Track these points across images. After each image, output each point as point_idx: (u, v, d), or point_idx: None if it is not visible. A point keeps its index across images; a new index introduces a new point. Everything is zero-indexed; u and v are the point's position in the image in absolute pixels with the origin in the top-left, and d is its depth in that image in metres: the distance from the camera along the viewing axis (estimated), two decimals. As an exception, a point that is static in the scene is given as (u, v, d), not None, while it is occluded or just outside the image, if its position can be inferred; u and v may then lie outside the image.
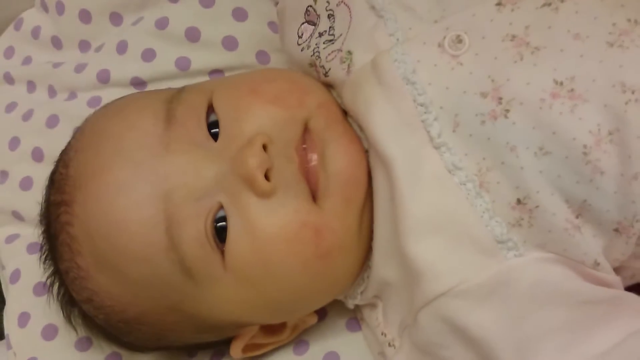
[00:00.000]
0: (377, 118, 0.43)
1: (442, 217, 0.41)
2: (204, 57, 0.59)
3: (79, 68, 0.63)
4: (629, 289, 0.44)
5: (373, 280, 0.47)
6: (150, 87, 0.60)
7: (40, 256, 0.53)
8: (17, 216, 0.62)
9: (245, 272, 0.43)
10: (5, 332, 0.58)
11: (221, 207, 0.43)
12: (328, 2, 0.48)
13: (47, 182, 0.51)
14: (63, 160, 0.49)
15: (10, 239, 0.62)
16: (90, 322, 0.51)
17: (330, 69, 0.47)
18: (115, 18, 0.63)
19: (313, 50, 0.48)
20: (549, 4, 0.41)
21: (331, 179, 0.44)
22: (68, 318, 0.53)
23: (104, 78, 0.61)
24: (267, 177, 0.42)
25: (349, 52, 0.46)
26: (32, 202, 0.56)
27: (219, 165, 0.43)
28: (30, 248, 0.60)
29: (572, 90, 0.40)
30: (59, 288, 0.52)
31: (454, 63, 0.42)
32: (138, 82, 0.61)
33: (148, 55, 0.60)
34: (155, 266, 0.43)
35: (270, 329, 0.50)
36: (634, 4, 0.41)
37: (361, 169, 0.44)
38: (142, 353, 0.54)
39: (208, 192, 0.43)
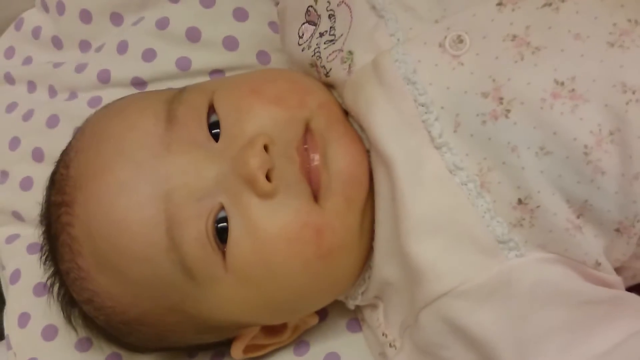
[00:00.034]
0: (378, 118, 0.43)
1: (443, 217, 0.41)
2: (204, 57, 0.59)
3: (80, 68, 0.63)
4: (630, 289, 0.44)
5: (374, 281, 0.47)
6: (150, 87, 0.60)
7: (41, 257, 0.53)
8: (17, 216, 0.62)
9: (246, 273, 0.43)
10: (6, 332, 0.58)
11: (222, 207, 0.43)
12: (329, 2, 0.48)
13: (47, 183, 0.51)
14: (63, 161, 0.49)
15: (11, 239, 0.62)
16: (90, 322, 0.51)
17: (331, 69, 0.47)
18: (116, 18, 0.62)
19: (314, 50, 0.48)
20: (550, 4, 0.41)
21: (333, 178, 0.43)
22: (68, 319, 0.53)
23: (104, 78, 0.61)
24: (268, 177, 0.42)
25: (350, 52, 0.46)
26: (33, 203, 0.56)
27: (220, 165, 0.43)
28: (30, 248, 0.60)
29: (572, 90, 0.40)
30: (59, 289, 0.52)
31: (454, 63, 0.42)
32: (138, 82, 0.61)
33: (148, 55, 0.60)
34: (156, 267, 0.43)
35: (271, 330, 0.50)
36: (634, 4, 0.41)
37: (362, 168, 0.44)
38: (142, 354, 0.54)
39: (209, 192, 0.43)
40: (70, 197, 0.46)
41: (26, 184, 0.62)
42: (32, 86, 0.65)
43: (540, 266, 0.40)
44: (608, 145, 0.39)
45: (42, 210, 0.52)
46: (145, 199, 0.43)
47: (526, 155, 0.40)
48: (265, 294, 0.44)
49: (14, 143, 0.63)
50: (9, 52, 0.67)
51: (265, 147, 0.43)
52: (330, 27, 0.48)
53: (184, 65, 0.60)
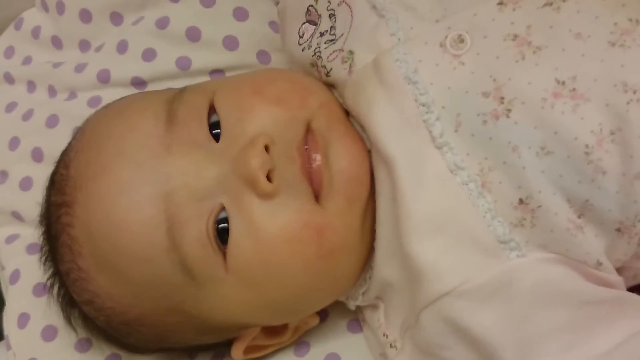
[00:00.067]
0: (379, 118, 0.43)
1: (444, 217, 0.41)
2: (204, 57, 0.59)
3: (79, 68, 0.62)
4: (631, 289, 0.44)
5: (375, 281, 0.47)
6: (150, 87, 0.60)
7: (41, 257, 0.53)
8: (17, 216, 0.62)
9: (247, 273, 0.43)
10: (5, 332, 0.58)
11: (223, 208, 0.43)
12: (329, 1, 0.48)
13: (47, 183, 0.51)
14: (64, 161, 0.48)
15: (10, 239, 0.61)
16: (90, 323, 0.50)
17: (331, 69, 0.47)
18: (116, 18, 0.62)
19: (314, 50, 0.48)
20: (551, 4, 0.41)
21: (335, 178, 0.43)
22: (68, 319, 0.53)
23: (104, 78, 0.61)
24: (269, 178, 0.42)
25: (351, 52, 0.46)
26: (32, 203, 0.56)
27: (221, 166, 0.43)
28: (30, 248, 0.60)
29: (573, 89, 0.40)
30: (59, 289, 0.51)
31: (455, 63, 0.42)
32: (138, 82, 0.61)
33: (148, 55, 0.60)
34: (157, 267, 0.43)
35: (271, 331, 0.50)
36: (635, 3, 0.41)
37: (364, 168, 0.44)
38: (142, 355, 0.54)
39: (210, 193, 0.43)
40: (71, 198, 0.46)
41: (26, 184, 0.61)
42: (31, 86, 0.65)
43: (542, 266, 0.40)
44: (609, 145, 0.39)
45: (41, 210, 0.52)
46: (146, 199, 0.42)
47: (527, 155, 0.40)
48: (266, 294, 0.44)
49: (14, 143, 0.63)
50: (9, 52, 0.67)
51: (266, 148, 0.42)
52: (331, 27, 0.48)
53: (184, 65, 0.60)
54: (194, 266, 0.43)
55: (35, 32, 0.66)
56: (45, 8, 0.65)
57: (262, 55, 0.60)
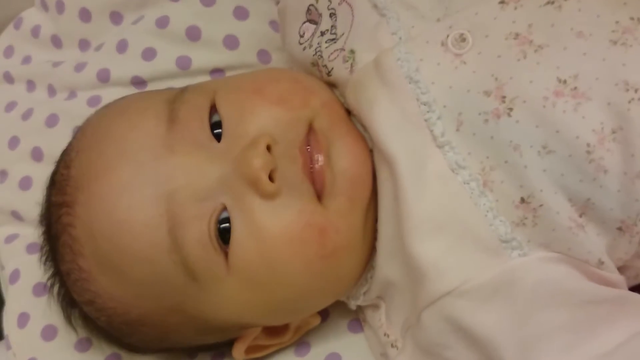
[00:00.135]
0: (380, 117, 0.43)
1: (446, 217, 0.41)
2: (204, 56, 0.59)
3: (79, 67, 0.62)
4: (633, 289, 0.44)
5: (376, 281, 0.47)
6: (150, 87, 0.60)
7: (41, 257, 0.53)
8: (17, 216, 0.62)
9: (249, 274, 0.43)
10: (5, 332, 0.58)
11: (225, 208, 0.43)
12: (330, 1, 0.48)
13: (47, 183, 0.51)
14: (64, 161, 0.48)
15: (10, 239, 0.61)
16: (91, 323, 0.50)
17: (332, 68, 0.47)
18: (116, 17, 0.62)
19: (315, 49, 0.48)
20: (552, 2, 0.41)
21: (337, 178, 0.43)
22: (68, 319, 0.53)
23: (104, 77, 0.61)
24: (271, 178, 0.42)
25: (352, 51, 0.45)
26: (32, 202, 0.56)
27: (223, 166, 0.43)
28: (29, 248, 0.60)
29: (575, 88, 0.40)
30: (59, 289, 0.51)
31: (457, 62, 0.42)
32: (138, 82, 0.60)
33: (148, 54, 0.60)
34: (158, 267, 0.43)
35: (273, 331, 0.50)
36: (636, 2, 0.41)
37: (366, 168, 0.44)
38: (143, 354, 0.54)
39: (211, 193, 0.43)
40: (72, 198, 0.46)
41: (25, 183, 0.61)
42: (31, 85, 0.65)
43: (543, 265, 0.40)
44: (610, 144, 0.39)
45: (42, 210, 0.51)
46: (148, 199, 0.42)
47: (529, 153, 0.40)
48: (268, 294, 0.44)
49: (13, 142, 0.63)
50: (8, 51, 0.67)
51: (268, 148, 0.42)
52: (332, 26, 0.48)
53: (184, 64, 0.59)
54: (196, 266, 0.43)
55: (35, 32, 0.66)
56: (45, 7, 0.65)
57: (263, 55, 0.60)
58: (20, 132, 0.63)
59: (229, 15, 0.59)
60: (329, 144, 0.44)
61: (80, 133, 0.49)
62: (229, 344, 0.50)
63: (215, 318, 0.46)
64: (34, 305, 0.57)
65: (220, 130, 0.45)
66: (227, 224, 0.43)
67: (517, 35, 0.41)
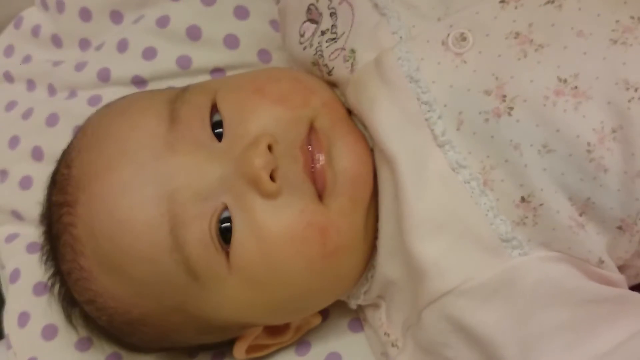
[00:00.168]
0: (381, 116, 0.43)
1: (447, 216, 0.41)
2: (205, 56, 0.59)
3: (79, 66, 0.62)
4: (633, 288, 0.44)
5: (377, 280, 0.47)
6: (151, 86, 0.60)
7: (41, 257, 0.53)
8: (17, 215, 0.62)
9: (250, 273, 0.43)
10: (5, 331, 0.58)
11: (226, 207, 0.43)
12: (330, 0, 0.48)
13: (48, 183, 0.51)
14: (65, 161, 0.48)
15: (10, 238, 0.61)
16: (91, 323, 0.50)
17: (333, 67, 0.47)
18: (116, 16, 0.62)
19: (315, 49, 0.48)
20: (552, 2, 0.41)
21: (338, 177, 0.43)
22: (69, 319, 0.53)
23: (104, 76, 0.61)
24: (272, 177, 0.42)
25: (352, 51, 0.46)
26: (32, 202, 0.56)
27: (224, 165, 0.43)
28: (30, 247, 0.60)
29: (575, 87, 0.40)
30: (59, 289, 0.51)
31: (457, 61, 0.42)
32: (139, 81, 0.61)
33: (149, 53, 0.60)
34: (160, 267, 0.43)
35: (273, 330, 0.50)
36: (636, 1, 0.41)
37: (367, 167, 0.44)
38: (143, 354, 0.54)
39: (213, 192, 0.43)
40: (73, 197, 0.46)
41: (25, 183, 0.61)
42: (31, 85, 0.65)
43: (544, 264, 0.40)
44: (610, 143, 0.39)
45: (43, 210, 0.51)
46: (149, 199, 0.42)
47: (529, 152, 0.40)
48: (269, 294, 0.44)
49: (14, 142, 0.63)
50: (9, 51, 0.67)
51: (269, 147, 0.42)
52: (332, 26, 0.48)
53: (184, 63, 0.60)
54: (197, 266, 0.43)
55: (35, 31, 0.66)
56: (45, 7, 0.65)
57: (263, 54, 0.60)
58: (21, 132, 0.63)
59: (230, 15, 0.59)
60: (330, 144, 0.44)
61: (81, 132, 0.49)
62: (229, 344, 0.50)
63: (216, 317, 0.46)
64: (35, 305, 0.57)
65: (221, 129, 0.45)
66: (229, 224, 0.43)
67: (517, 34, 0.41)
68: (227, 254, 0.43)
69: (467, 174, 0.41)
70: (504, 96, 0.40)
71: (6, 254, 0.61)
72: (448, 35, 0.42)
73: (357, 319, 0.53)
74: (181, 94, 0.46)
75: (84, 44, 0.64)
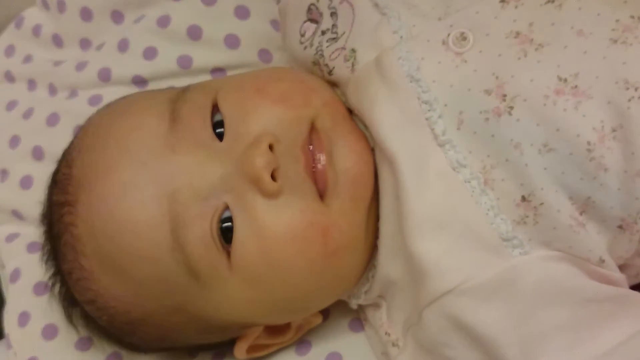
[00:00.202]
0: (381, 116, 0.43)
1: (447, 215, 0.41)
2: (205, 56, 0.59)
3: (80, 66, 0.62)
4: (634, 288, 0.44)
5: (378, 280, 0.47)
6: (151, 86, 0.60)
7: (42, 256, 0.53)
8: (17, 215, 0.62)
9: (252, 273, 0.43)
10: (5, 331, 0.58)
11: (227, 207, 0.43)
12: (330, 0, 0.48)
13: (49, 182, 0.51)
14: (66, 160, 0.48)
15: (10, 237, 0.61)
16: (92, 322, 0.50)
17: (334, 67, 0.47)
18: (117, 16, 0.62)
19: (316, 48, 0.48)
20: (553, 1, 0.41)
21: (340, 177, 0.43)
22: (69, 318, 0.52)
23: (105, 76, 0.61)
24: (273, 177, 0.42)
25: (353, 50, 0.46)
26: (32, 201, 0.56)
27: (225, 165, 0.43)
28: (30, 247, 0.60)
29: (575, 86, 0.40)
30: (60, 288, 0.51)
31: (458, 60, 0.42)
32: (139, 81, 0.61)
33: (150, 53, 0.60)
34: (161, 266, 0.43)
35: (274, 330, 0.50)
36: (637, 0, 0.41)
37: (368, 167, 0.44)
38: (144, 354, 0.54)
39: (214, 192, 0.43)
40: (73, 197, 0.46)
41: (26, 182, 0.61)
42: (32, 84, 0.65)
43: (545, 264, 0.40)
44: (611, 142, 0.39)
45: (43, 209, 0.51)
46: (150, 198, 0.42)
47: (529, 152, 0.40)
48: (271, 293, 0.44)
49: (14, 141, 0.63)
50: (9, 51, 0.67)
51: (270, 147, 0.42)
52: (333, 25, 0.48)
53: (185, 63, 0.60)
54: (198, 266, 0.43)
55: (36, 31, 0.66)
56: (46, 6, 0.65)
57: (264, 54, 0.60)
58: (21, 131, 0.63)
59: (230, 15, 0.59)
60: (331, 144, 0.44)
61: (82, 132, 0.49)
62: (229, 344, 0.50)
63: (217, 317, 0.46)
64: (35, 305, 0.57)
65: (222, 129, 0.44)
66: (230, 223, 0.43)
67: (517, 33, 0.41)
68: (228, 253, 0.43)
69: (468, 173, 0.41)
70: (505, 95, 0.40)
71: (6, 254, 0.61)
72: (448, 34, 0.42)
73: (358, 318, 0.53)
74: (182, 93, 0.46)
75: (85, 43, 0.64)
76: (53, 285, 0.52)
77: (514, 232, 0.40)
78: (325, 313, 0.53)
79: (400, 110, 0.43)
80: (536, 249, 0.40)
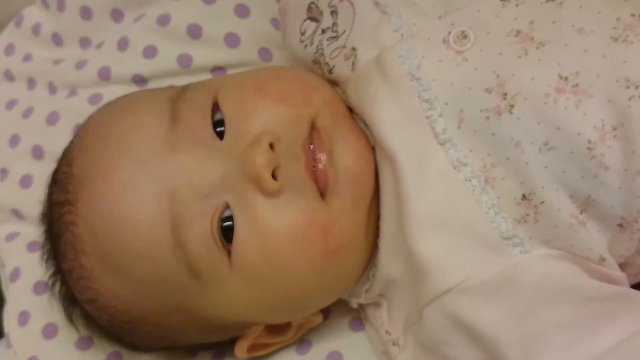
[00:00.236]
0: (382, 114, 0.43)
1: (448, 214, 0.41)
2: (205, 54, 0.59)
3: (80, 65, 0.62)
4: (634, 287, 0.44)
5: (378, 279, 0.47)
6: (151, 84, 0.60)
7: (42, 255, 0.53)
8: (17, 214, 0.62)
9: (252, 272, 0.43)
10: (5, 330, 0.58)
11: (227, 206, 0.43)
12: (331, -2, 0.48)
13: (49, 181, 0.51)
14: (66, 159, 0.48)
15: (10, 237, 0.61)
16: (92, 322, 0.50)
17: (334, 65, 0.47)
18: (117, 15, 0.62)
19: (316, 47, 0.48)
20: (553, -1, 0.41)
21: (340, 176, 0.43)
22: (69, 318, 0.52)
23: (105, 75, 0.61)
24: (274, 176, 0.42)
25: (353, 49, 0.46)
26: (32, 200, 0.56)
27: (225, 164, 0.43)
28: (30, 246, 0.60)
29: (576, 85, 0.40)
30: (60, 287, 0.51)
31: (459, 59, 0.42)
32: (139, 79, 0.61)
33: (149, 52, 0.60)
34: (161, 266, 0.43)
35: (275, 329, 0.50)
36: (638, -2, 0.41)
37: (369, 165, 0.44)
38: (144, 353, 0.54)
39: (214, 191, 0.43)
40: (74, 196, 0.46)
41: (26, 181, 0.61)
42: (31, 83, 0.65)
43: (545, 262, 0.40)
44: (611, 141, 0.39)
45: (43, 208, 0.51)
46: (150, 197, 0.42)
47: (530, 150, 0.40)
48: (271, 292, 0.44)
49: (14, 140, 0.63)
50: (9, 49, 0.67)
51: (271, 146, 0.42)
52: (333, 24, 0.48)
53: (185, 62, 0.59)
54: (199, 265, 0.43)
55: (36, 29, 0.66)
56: (46, 5, 0.65)
57: (264, 53, 0.60)
58: (21, 130, 0.63)
59: (230, 13, 0.59)
60: (332, 142, 0.44)
61: (82, 131, 0.49)
62: (230, 343, 0.50)
63: (218, 316, 0.46)
64: (35, 304, 0.57)
65: (222, 128, 0.44)
66: (230, 222, 0.43)
67: (518, 32, 0.41)
68: (229, 252, 0.43)
69: (468, 172, 0.41)
70: (505, 94, 0.40)
71: (6, 253, 0.61)
72: (449, 33, 0.42)
73: (358, 317, 0.53)
74: (182, 92, 0.46)
75: (85, 42, 0.64)
76: (53, 284, 0.52)
77: (514, 230, 0.40)
78: (326, 312, 0.53)
79: (401, 109, 0.43)
80: (537, 248, 0.40)
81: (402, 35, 0.44)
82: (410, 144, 0.42)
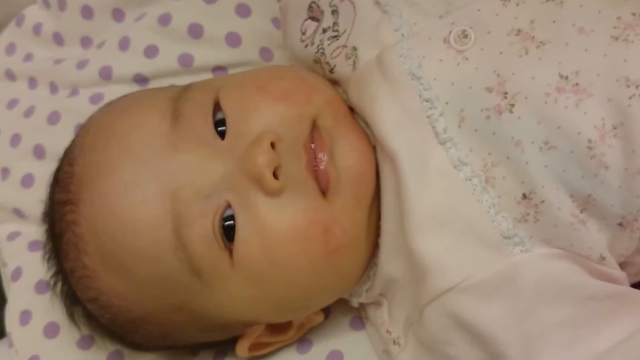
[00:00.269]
0: (383, 114, 0.43)
1: (448, 213, 0.41)
2: (206, 54, 0.59)
3: (81, 64, 0.63)
4: (634, 286, 0.44)
5: (379, 278, 0.47)
6: (152, 84, 0.60)
7: (44, 255, 0.53)
8: (19, 213, 0.62)
9: (254, 271, 0.43)
10: (7, 330, 0.58)
11: (229, 205, 0.43)
12: (331, -2, 0.48)
13: (50, 181, 0.51)
14: (68, 159, 0.48)
15: (12, 236, 0.61)
16: (94, 321, 0.50)
17: (335, 65, 0.47)
18: (118, 14, 0.62)
19: (317, 46, 0.48)
20: (554, -2, 0.41)
21: (342, 175, 0.43)
22: (71, 317, 0.53)
23: (106, 74, 0.61)
24: (275, 175, 0.42)
25: (354, 48, 0.46)
26: (34, 200, 0.56)
27: (227, 163, 0.43)
28: (31, 246, 0.60)
29: (577, 84, 0.40)
30: (62, 287, 0.51)
31: (459, 58, 0.42)
32: (140, 79, 0.61)
33: (151, 51, 0.60)
34: (163, 265, 0.43)
35: (276, 328, 0.50)
36: (637, -2, 0.41)
37: (370, 165, 0.44)
38: (145, 352, 0.54)
39: (216, 190, 0.43)
40: (75, 195, 0.46)
41: (27, 181, 0.61)
42: (33, 82, 0.65)
43: (545, 261, 0.40)
44: (611, 140, 0.39)
45: (45, 208, 0.51)
46: (152, 197, 0.42)
47: (530, 149, 0.40)
48: (273, 292, 0.44)
49: (15, 140, 0.63)
50: (10, 49, 0.67)
51: (272, 145, 0.42)
52: (334, 23, 0.48)
53: (186, 61, 0.60)
54: (201, 264, 0.43)
55: (37, 29, 0.66)
56: (47, 4, 0.65)
57: (265, 52, 0.60)
58: (22, 130, 0.63)
59: (231, 13, 0.59)
60: (333, 142, 0.44)
61: (83, 130, 0.49)
62: (231, 342, 0.50)
63: (219, 315, 0.46)
64: (36, 303, 0.57)
65: (224, 127, 0.45)
66: (232, 222, 0.43)
67: (519, 31, 0.41)
68: (230, 252, 0.43)
69: (469, 171, 0.41)
70: (506, 93, 0.40)
71: (8, 252, 0.61)
72: (450, 32, 0.42)
73: (359, 317, 0.53)
74: (184, 91, 0.46)
75: (86, 41, 0.64)
76: (55, 283, 0.52)
77: (514, 229, 0.40)
78: (327, 311, 0.53)
79: (402, 108, 0.43)
80: (537, 247, 0.40)
81: (402, 35, 0.44)
82: (410, 144, 0.42)
